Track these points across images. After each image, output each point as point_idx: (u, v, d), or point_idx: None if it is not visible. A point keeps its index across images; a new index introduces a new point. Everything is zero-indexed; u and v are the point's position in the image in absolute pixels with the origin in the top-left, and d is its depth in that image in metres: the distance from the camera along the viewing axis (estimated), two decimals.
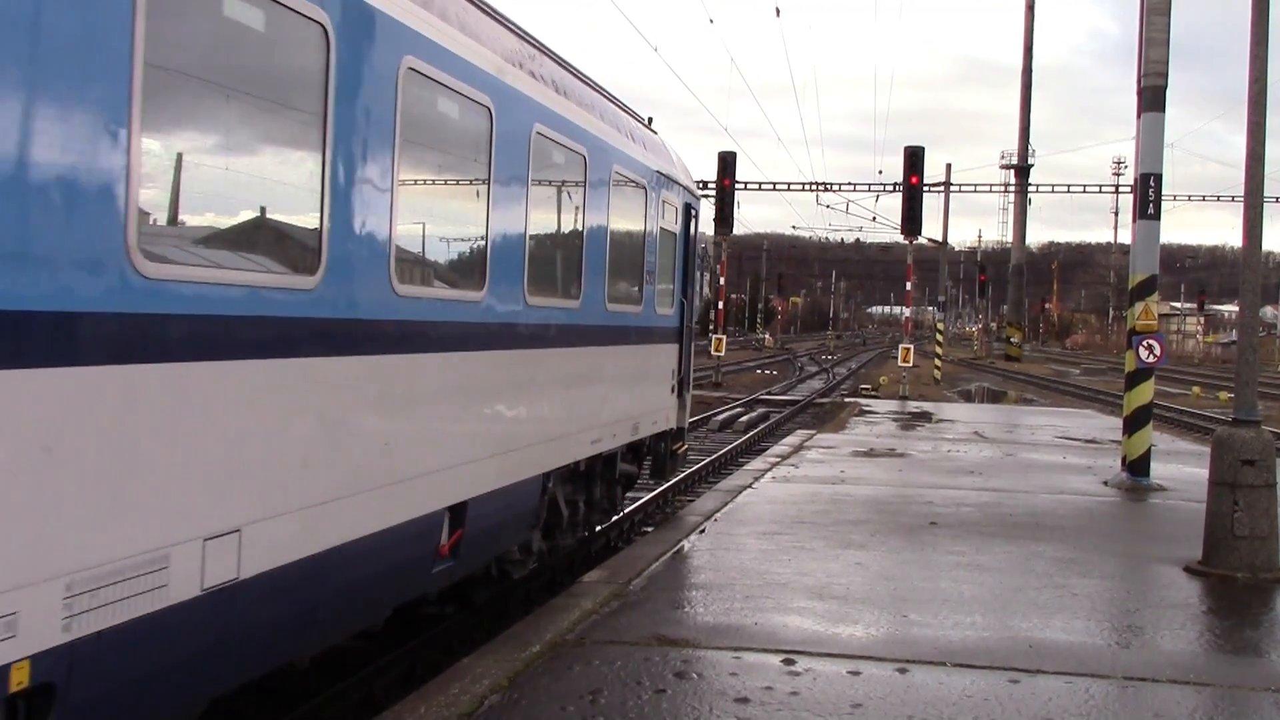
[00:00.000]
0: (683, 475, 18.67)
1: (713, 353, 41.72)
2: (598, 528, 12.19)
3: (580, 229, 9.62)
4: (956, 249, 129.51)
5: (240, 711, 6.87)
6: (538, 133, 8.49)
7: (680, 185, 13.29)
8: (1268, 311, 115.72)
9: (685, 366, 13.67)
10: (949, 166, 46.64)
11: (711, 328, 42.34)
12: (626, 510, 15.01)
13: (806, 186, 52.95)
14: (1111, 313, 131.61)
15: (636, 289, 11.52)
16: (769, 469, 16.28)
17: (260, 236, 5.46)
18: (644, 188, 11.57)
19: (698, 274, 15.02)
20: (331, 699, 7.69)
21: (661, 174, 12.28)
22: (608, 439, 10.58)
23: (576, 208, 9.56)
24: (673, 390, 13.19)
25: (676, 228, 13.15)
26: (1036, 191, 62.37)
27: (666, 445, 13.42)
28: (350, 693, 7.85)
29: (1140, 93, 15.06)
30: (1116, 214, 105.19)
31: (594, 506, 11.03)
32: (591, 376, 10.09)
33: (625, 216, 10.92)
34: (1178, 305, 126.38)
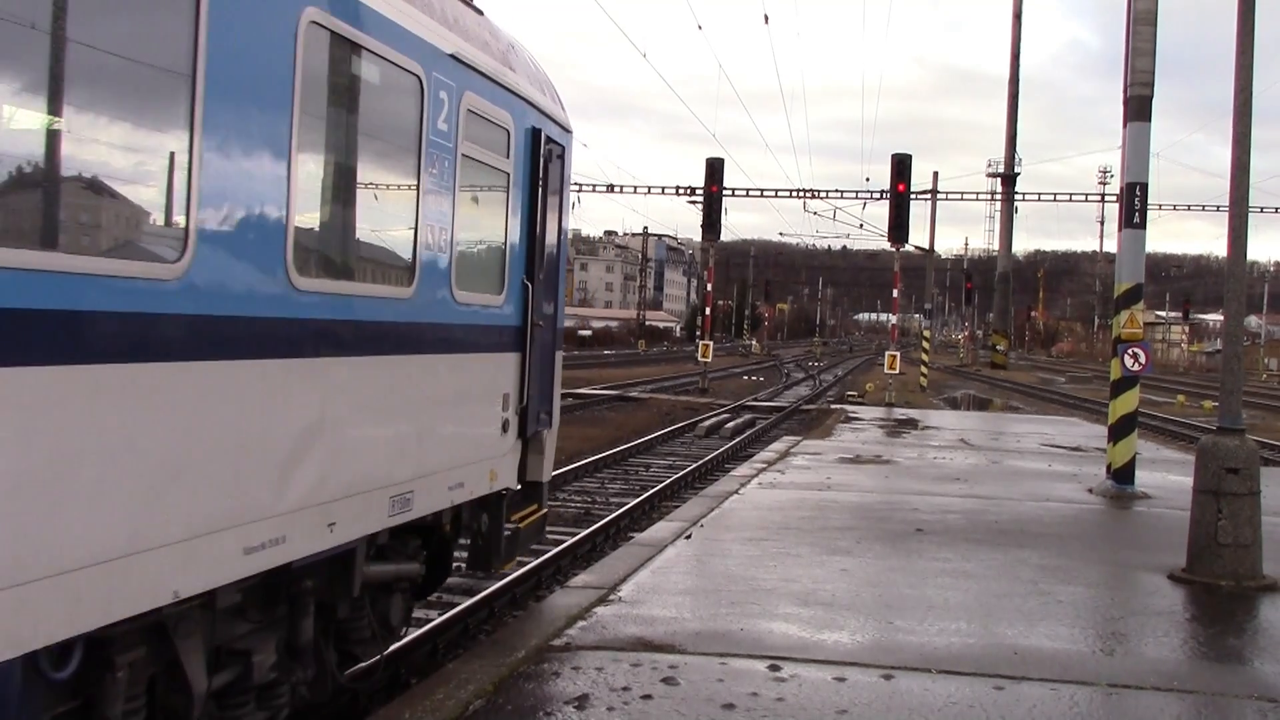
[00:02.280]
0: (670, 482, 18.60)
1: (700, 359, 42.24)
2: (343, 674, 7.08)
3: (198, 124, 4.69)
4: (943, 257, 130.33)
5: None
6: None
7: (520, 98, 8.27)
8: (1252, 321, 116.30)
9: (535, 387, 8.64)
10: (935, 174, 46.53)
11: (699, 334, 42.46)
12: (614, 515, 14.94)
13: (794, 193, 52.90)
14: (1097, 321, 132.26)
15: (400, 256, 6.66)
16: (755, 475, 16.28)
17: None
18: (418, 78, 6.59)
19: (563, 242, 9.50)
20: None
21: (464, 64, 7.21)
22: (312, 534, 5.64)
23: (185, 82, 4.65)
24: (506, 428, 8.18)
25: (509, 165, 8.16)
26: (1023, 199, 62.41)
27: (497, 518, 8.36)
28: (334, 697, 7.81)
29: (1126, 102, 15.12)
30: (1102, 223, 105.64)
31: (302, 654, 6.22)
32: (249, 422, 5.15)
33: (362, 119, 6.28)
34: (1163, 314, 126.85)
